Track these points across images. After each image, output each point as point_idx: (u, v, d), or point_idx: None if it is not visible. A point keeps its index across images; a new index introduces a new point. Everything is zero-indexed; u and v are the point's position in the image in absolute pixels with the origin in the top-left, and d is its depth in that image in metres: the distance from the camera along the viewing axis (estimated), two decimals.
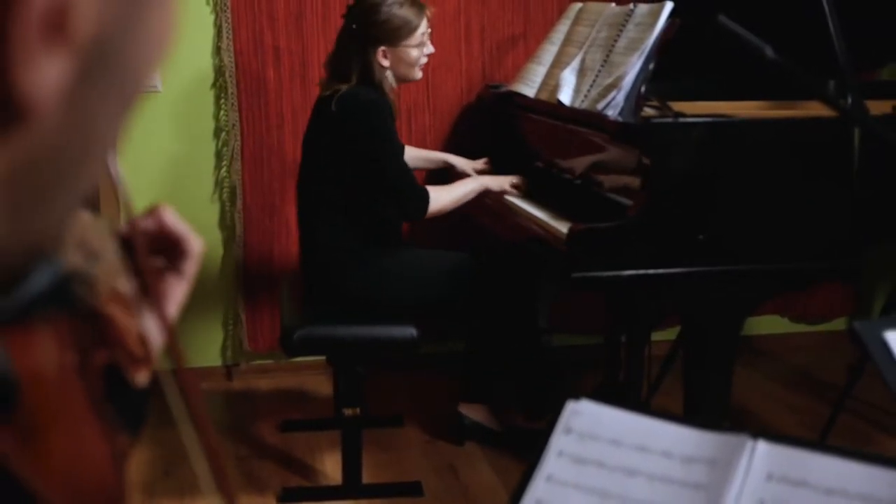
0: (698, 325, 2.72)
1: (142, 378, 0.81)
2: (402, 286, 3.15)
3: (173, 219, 0.92)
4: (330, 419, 3.53)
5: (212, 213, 4.05)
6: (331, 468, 3.33)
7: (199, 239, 0.96)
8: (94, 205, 0.72)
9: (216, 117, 3.98)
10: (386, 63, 3.16)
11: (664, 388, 3.61)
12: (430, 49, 3.26)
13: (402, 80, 3.25)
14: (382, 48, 3.13)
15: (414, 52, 3.19)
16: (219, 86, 3.95)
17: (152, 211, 0.91)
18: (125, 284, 0.69)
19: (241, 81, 3.93)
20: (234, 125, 3.96)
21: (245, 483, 3.27)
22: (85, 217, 0.63)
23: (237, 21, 3.89)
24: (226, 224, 4.06)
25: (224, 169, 4.01)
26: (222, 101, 3.96)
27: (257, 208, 4.02)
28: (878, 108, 2.94)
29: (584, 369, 4.00)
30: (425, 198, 3.15)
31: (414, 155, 3.57)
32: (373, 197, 3.15)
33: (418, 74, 3.28)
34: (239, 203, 4.02)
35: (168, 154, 3.98)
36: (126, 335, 0.72)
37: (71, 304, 0.59)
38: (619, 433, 1.40)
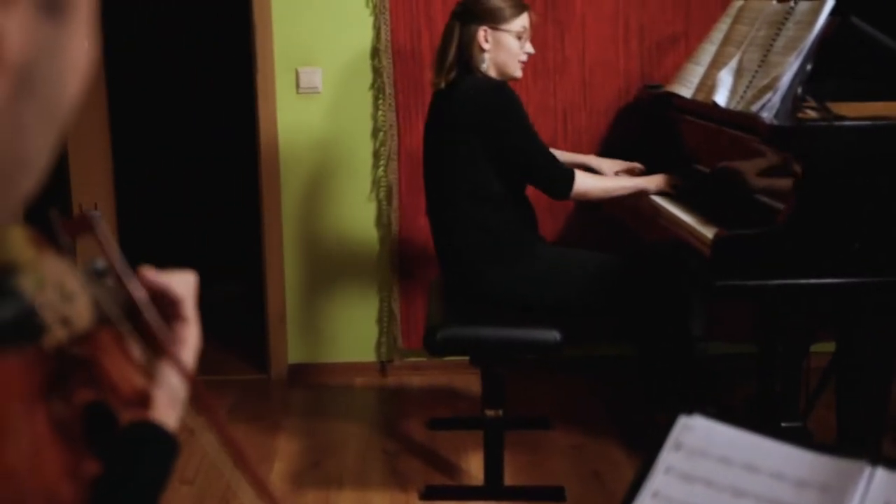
0: (851, 340, 2.59)
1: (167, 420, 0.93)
2: (543, 287, 3.12)
3: (151, 275, 0.99)
4: (476, 419, 3.54)
5: (369, 211, 4.12)
6: (475, 468, 3.34)
7: (185, 278, 1.03)
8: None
9: (374, 118, 4.05)
10: (486, 46, 3.16)
11: (825, 401, 3.45)
12: (530, 48, 3.24)
13: (501, 72, 3.20)
14: (483, 28, 3.14)
15: (513, 42, 3.18)
16: (377, 87, 4.02)
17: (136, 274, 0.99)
18: (122, 332, 0.77)
19: (398, 82, 3.99)
20: (391, 125, 4.02)
21: (390, 479, 3.32)
22: (61, 261, 0.70)
23: (395, 23, 3.95)
24: (382, 223, 4.13)
25: (381, 168, 4.08)
26: (380, 101, 4.02)
27: (413, 207, 4.07)
28: None
29: (741, 379, 3.87)
30: (570, 176, 3.11)
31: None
32: (506, 188, 3.13)
33: (518, 71, 3.23)
34: (395, 202, 4.08)
35: (327, 153, 4.08)
36: (114, 378, 0.79)
37: (37, 337, 0.66)
38: (730, 451, 1.35)
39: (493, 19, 3.15)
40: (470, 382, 4.07)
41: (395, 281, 4.17)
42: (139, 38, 5.89)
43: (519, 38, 3.19)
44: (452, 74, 3.17)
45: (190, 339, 1.03)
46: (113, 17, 4.65)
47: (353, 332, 4.23)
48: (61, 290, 0.69)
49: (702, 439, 1.38)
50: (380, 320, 4.22)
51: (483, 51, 3.16)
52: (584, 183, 3.14)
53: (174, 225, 6.02)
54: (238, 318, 4.82)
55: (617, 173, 3.50)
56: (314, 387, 4.13)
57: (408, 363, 4.24)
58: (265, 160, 4.08)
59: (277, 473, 3.36)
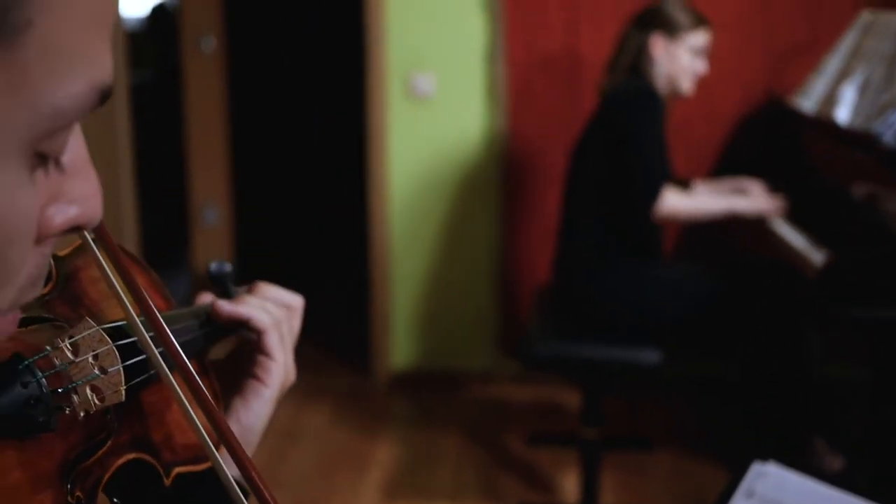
0: None
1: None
2: (649, 303, 3.01)
3: (228, 307, 0.90)
4: (576, 436, 3.47)
5: (479, 219, 4.08)
6: (571, 486, 3.27)
7: (271, 306, 0.93)
8: None
9: (487, 124, 4.01)
10: (656, 54, 3.08)
11: None
12: (702, 66, 3.14)
13: (672, 83, 3.11)
14: (659, 35, 3.07)
15: (685, 55, 3.09)
16: (490, 93, 3.98)
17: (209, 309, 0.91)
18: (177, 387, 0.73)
19: (512, 89, 3.94)
20: (503, 132, 3.97)
21: (485, 492, 3.28)
22: (93, 331, 0.67)
23: (510, 29, 3.89)
24: (493, 231, 4.08)
25: (492, 176, 4.03)
26: (493, 108, 3.98)
27: (523, 216, 4.01)
28: None
29: (859, 405, 3.68)
30: (654, 194, 2.90)
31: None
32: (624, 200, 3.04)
33: (688, 85, 3.13)
34: (506, 210, 4.03)
35: (438, 159, 4.05)
36: (168, 433, 0.76)
37: (45, 422, 0.62)
38: (803, 503, 1.28)
39: (669, 29, 3.08)
40: (575, 397, 3.99)
41: (503, 291, 4.12)
42: (258, 43, 6.01)
43: (692, 52, 3.10)
44: (619, 78, 3.12)
45: (270, 379, 0.90)
46: (235, 23, 4.74)
47: (459, 340, 4.20)
48: (96, 359, 0.66)
49: (775, 488, 1.31)
50: (484, 330, 4.18)
51: (653, 59, 3.09)
52: (670, 204, 2.94)
53: (287, 224, 6.11)
54: (345, 322, 4.84)
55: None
56: (416, 394, 4.11)
57: (511, 375, 4.18)
58: (374, 165, 4.08)
59: (371, 482, 3.35)
